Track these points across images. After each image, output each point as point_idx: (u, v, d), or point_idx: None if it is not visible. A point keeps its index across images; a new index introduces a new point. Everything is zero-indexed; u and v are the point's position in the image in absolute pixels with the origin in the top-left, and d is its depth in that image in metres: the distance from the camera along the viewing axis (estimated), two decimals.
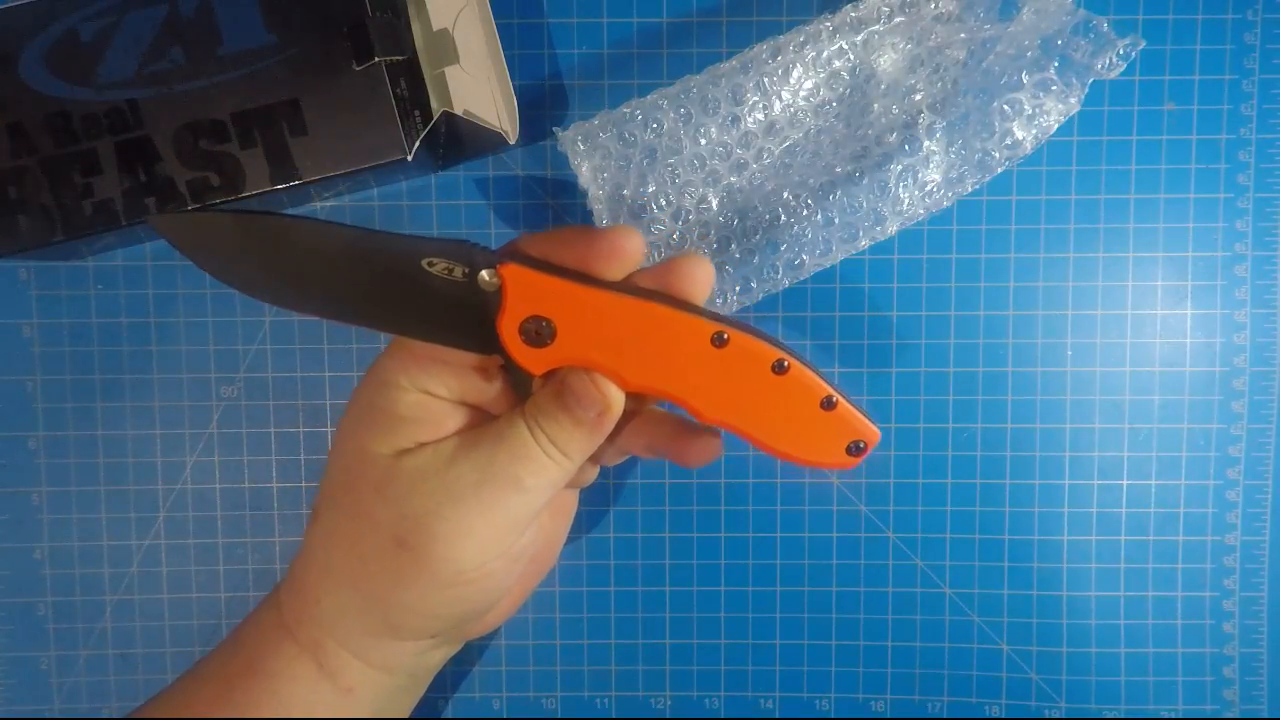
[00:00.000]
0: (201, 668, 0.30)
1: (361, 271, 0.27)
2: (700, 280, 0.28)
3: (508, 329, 0.27)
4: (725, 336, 0.27)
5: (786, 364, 0.28)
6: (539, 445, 0.27)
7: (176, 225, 0.27)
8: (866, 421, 0.29)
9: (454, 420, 0.29)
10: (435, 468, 0.27)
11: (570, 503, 0.34)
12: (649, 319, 0.27)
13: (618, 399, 0.28)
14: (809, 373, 0.28)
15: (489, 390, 0.29)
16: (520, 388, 0.28)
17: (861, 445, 0.29)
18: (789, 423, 0.28)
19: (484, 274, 0.27)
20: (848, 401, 0.28)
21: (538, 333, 0.27)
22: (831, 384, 0.28)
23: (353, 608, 0.28)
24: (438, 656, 0.32)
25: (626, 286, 0.28)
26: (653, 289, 0.27)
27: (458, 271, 0.27)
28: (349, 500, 0.28)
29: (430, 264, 0.27)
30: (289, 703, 0.29)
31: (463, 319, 0.27)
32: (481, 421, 0.29)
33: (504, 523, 0.27)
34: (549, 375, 0.28)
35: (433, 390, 0.28)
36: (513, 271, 0.27)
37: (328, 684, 0.29)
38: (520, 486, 0.27)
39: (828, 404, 0.28)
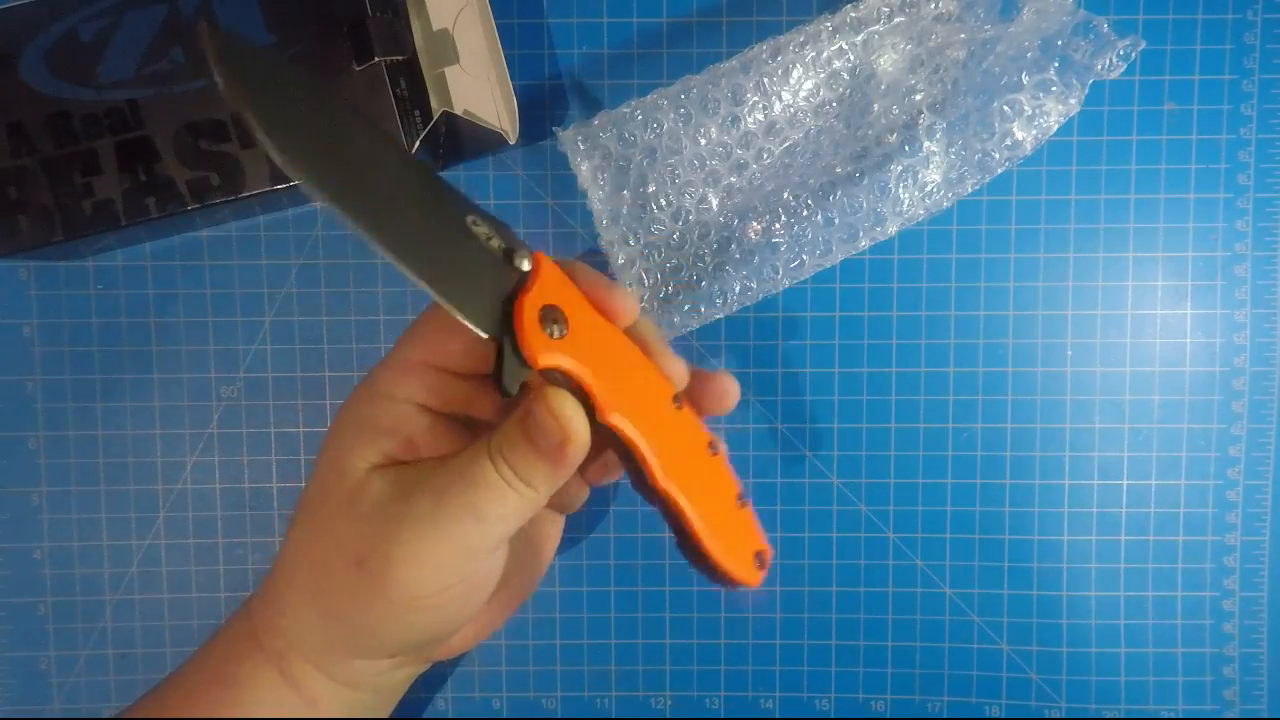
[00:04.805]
0: (173, 676, 0.30)
1: (408, 195, 0.26)
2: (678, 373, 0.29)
3: (531, 305, 0.26)
4: (680, 401, 0.28)
5: (718, 449, 0.29)
6: (500, 475, 0.26)
7: (230, 48, 0.23)
8: (762, 532, 0.29)
9: (437, 440, 0.28)
10: (400, 492, 0.27)
11: (551, 531, 0.33)
12: (634, 358, 0.28)
13: (581, 432, 0.27)
14: (729, 466, 0.29)
15: (482, 402, 0.29)
16: (507, 382, 0.26)
17: (763, 558, 0.29)
18: (715, 510, 0.28)
19: (520, 253, 0.26)
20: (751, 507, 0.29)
21: (554, 321, 0.26)
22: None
23: (314, 623, 0.28)
24: (401, 676, 0.32)
25: None
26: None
27: (495, 243, 0.26)
28: (322, 514, 0.28)
29: (475, 223, 0.26)
30: (254, 710, 0.28)
31: (483, 286, 0.26)
32: (469, 443, 0.28)
33: (462, 551, 0.26)
34: (530, 386, 0.27)
35: (426, 401, 0.28)
36: (546, 262, 0.27)
37: (292, 693, 0.29)
38: (478, 516, 0.26)
39: (741, 500, 0.29)
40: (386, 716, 0.33)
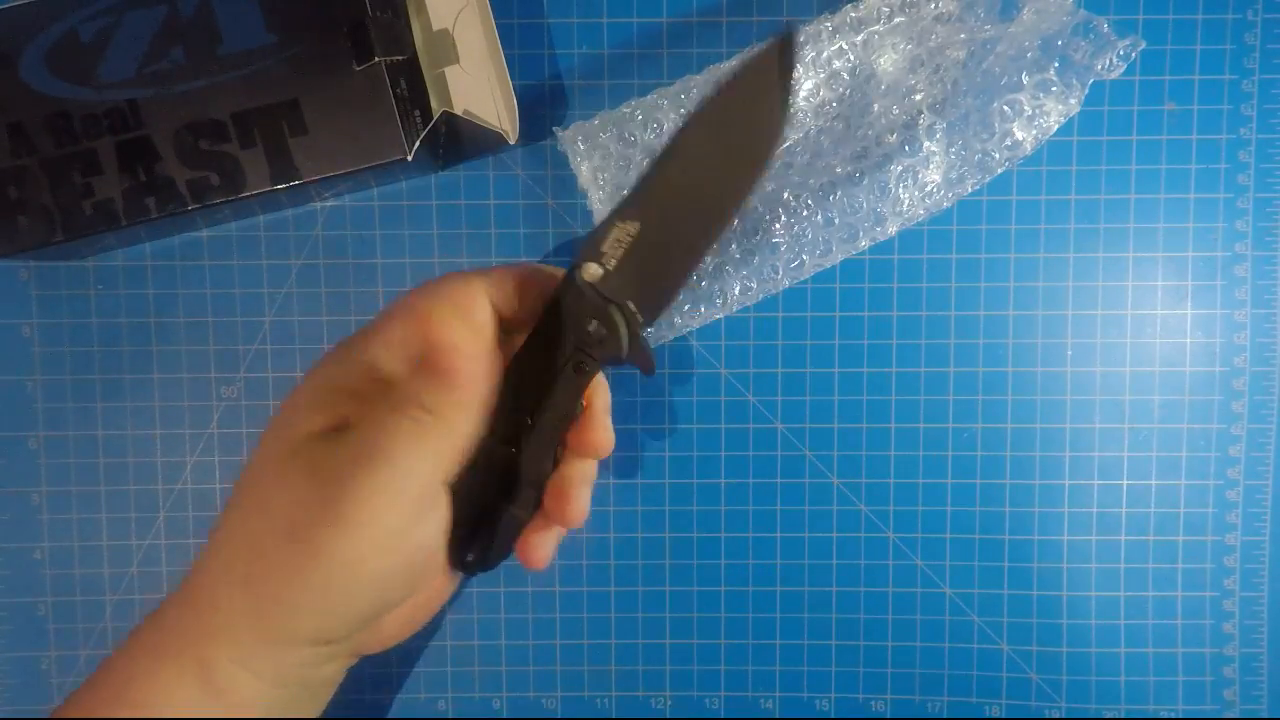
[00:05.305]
0: (67, 704, 0.28)
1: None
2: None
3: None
4: None
5: None
6: (405, 415, 0.26)
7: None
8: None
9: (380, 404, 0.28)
10: (331, 453, 0.26)
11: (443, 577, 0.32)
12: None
13: (467, 344, 0.27)
14: None
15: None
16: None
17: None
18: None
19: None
20: None
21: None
22: None
23: (247, 611, 0.27)
24: (331, 669, 0.30)
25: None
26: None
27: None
28: (252, 495, 0.27)
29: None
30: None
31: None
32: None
33: (387, 506, 0.26)
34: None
35: (400, 372, 0.28)
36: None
37: (213, 702, 0.27)
38: (390, 460, 0.26)
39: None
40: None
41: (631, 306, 0.30)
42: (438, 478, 0.27)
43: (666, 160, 0.30)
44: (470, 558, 0.30)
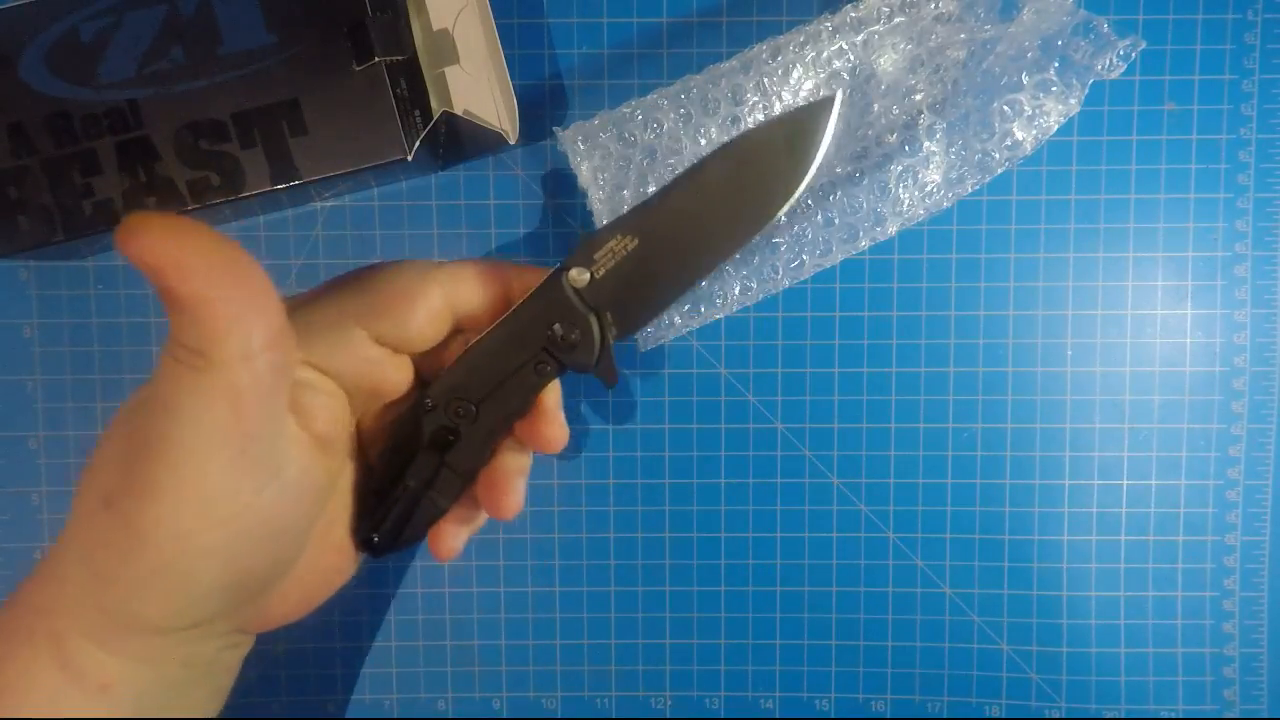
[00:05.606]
0: None
1: None
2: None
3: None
4: None
5: None
6: (170, 356, 0.23)
7: None
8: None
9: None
10: (143, 411, 0.24)
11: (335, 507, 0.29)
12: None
13: (199, 254, 0.22)
14: None
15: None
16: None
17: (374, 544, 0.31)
18: None
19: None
20: None
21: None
22: None
23: (89, 587, 0.24)
24: (209, 648, 0.27)
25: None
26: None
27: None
28: (88, 465, 0.25)
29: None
30: (25, 713, 0.24)
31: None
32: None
33: (190, 465, 0.23)
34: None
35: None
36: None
37: (75, 687, 0.24)
38: (168, 409, 0.23)
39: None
40: (213, 702, 0.29)
41: (609, 317, 0.30)
42: (241, 429, 0.23)
43: (680, 186, 0.30)
44: (376, 539, 0.29)
